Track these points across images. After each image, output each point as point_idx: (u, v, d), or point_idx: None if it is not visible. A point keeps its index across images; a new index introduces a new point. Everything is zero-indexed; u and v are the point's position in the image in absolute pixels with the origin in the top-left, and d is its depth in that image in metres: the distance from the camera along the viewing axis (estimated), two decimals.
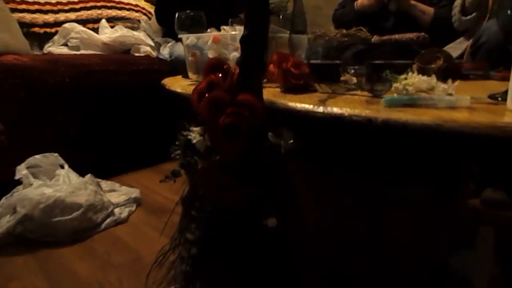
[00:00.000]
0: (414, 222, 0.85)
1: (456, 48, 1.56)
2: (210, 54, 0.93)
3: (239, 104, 0.59)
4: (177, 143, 0.72)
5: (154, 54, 2.02)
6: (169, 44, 2.00)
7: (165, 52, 1.97)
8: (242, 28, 1.02)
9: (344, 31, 1.99)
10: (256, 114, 0.61)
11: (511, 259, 0.82)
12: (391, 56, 1.74)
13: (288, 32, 1.14)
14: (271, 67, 0.84)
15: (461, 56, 1.46)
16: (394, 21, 1.86)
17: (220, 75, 0.62)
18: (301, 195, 0.81)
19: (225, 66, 0.63)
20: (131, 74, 1.77)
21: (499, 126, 0.47)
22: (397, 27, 1.82)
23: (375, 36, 1.86)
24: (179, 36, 1.04)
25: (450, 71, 0.95)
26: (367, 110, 0.58)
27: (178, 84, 1.05)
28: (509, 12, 0.62)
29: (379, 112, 0.56)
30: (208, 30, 1.04)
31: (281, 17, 1.21)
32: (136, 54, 2.01)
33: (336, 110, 0.60)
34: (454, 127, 0.50)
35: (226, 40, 0.92)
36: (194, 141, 0.64)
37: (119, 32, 2.07)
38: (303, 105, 0.64)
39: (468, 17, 1.46)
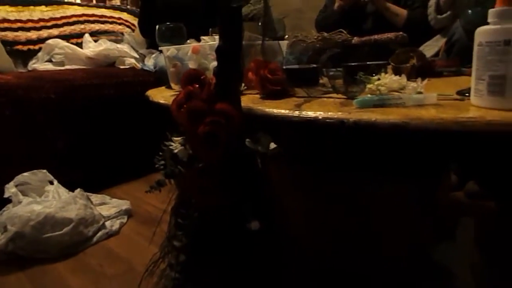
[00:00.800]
0: (397, 215, 0.88)
1: (433, 45, 1.60)
2: (191, 65, 0.95)
3: (217, 113, 0.61)
4: (160, 153, 0.74)
5: (139, 65, 2.04)
6: (154, 55, 2.02)
7: (149, 63, 1.99)
8: None
9: (325, 34, 2.05)
10: (233, 121, 0.63)
11: (491, 248, 0.85)
12: (371, 56, 1.78)
13: (267, 39, 1.17)
14: (250, 74, 0.87)
15: (437, 53, 1.50)
16: (372, 22, 1.90)
17: (197, 85, 0.64)
18: (285, 196, 0.83)
19: (202, 77, 0.65)
20: (116, 86, 1.79)
21: (461, 121, 0.50)
22: (375, 28, 1.86)
23: (355, 38, 1.91)
24: (160, 48, 1.06)
25: (424, 70, 0.98)
26: (340, 112, 0.60)
27: (161, 95, 1.07)
28: (469, 12, 0.65)
29: (351, 113, 0.58)
30: (188, 41, 1.06)
31: (259, 24, 1.23)
32: (121, 67, 2.02)
33: (310, 113, 0.62)
34: (420, 125, 0.52)
35: (205, 50, 0.94)
36: (176, 151, 0.65)
37: (103, 46, 2.09)
38: (279, 110, 0.66)
39: (443, 15, 1.50)
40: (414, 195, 0.87)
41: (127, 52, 2.09)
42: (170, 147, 0.68)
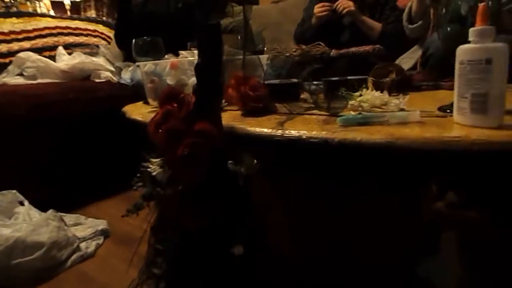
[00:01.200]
0: (381, 228, 0.87)
1: (410, 58, 1.63)
2: (169, 81, 0.93)
3: (196, 133, 0.59)
4: (138, 175, 0.71)
5: (115, 79, 1.99)
6: (130, 68, 1.98)
7: (126, 76, 1.94)
8: None
9: (304, 47, 2.06)
10: (214, 142, 0.60)
11: (475, 261, 0.85)
12: (350, 69, 1.80)
13: (247, 53, 1.16)
14: (230, 90, 0.85)
15: (415, 65, 1.52)
16: (349, 35, 1.92)
17: (176, 104, 0.62)
18: (268, 211, 0.80)
19: (180, 95, 0.63)
20: (92, 101, 1.73)
21: (446, 140, 0.50)
22: (352, 40, 1.88)
23: (333, 50, 1.92)
24: (137, 63, 1.03)
25: (403, 84, 0.99)
26: (324, 131, 0.59)
27: (138, 112, 1.03)
28: (448, 29, 0.66)
29: (335, 132, 0.57)
30: (166, 56, 1.03)
31: (239, 37, 1.22)
32: (97, 80, 1.96)
33: (294, 132, 0.61)
34: (405, 144, 0.52)
35: (183, 65, 0.92)
36: (154, 173, 0.62)
37: (78, 59, 2.03)
38: (262, 129, 0.64)
39: (414, 25, 1.54)
40: (398, 208, 0.87)
41: (103, 65, 2.03)
42: (149, 169, 0.65)
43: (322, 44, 1.98)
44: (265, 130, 0.63)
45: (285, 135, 0.61)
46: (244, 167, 0.60)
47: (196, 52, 1.02)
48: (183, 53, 1.02)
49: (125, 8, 2.05)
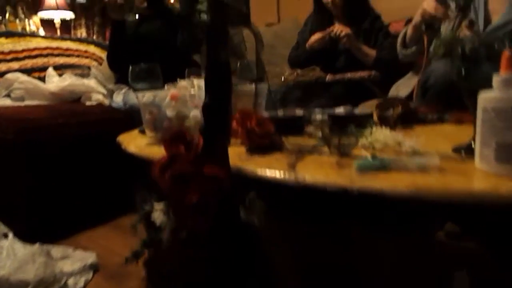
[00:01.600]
0: (391, 270, 0.83)
1: (406, 84, 1.63)
2: (169, 112, 0.89)
3: (206, 178, 0.55)
4: (137, 217, 0.67)
5: (106, 102, 1.94)
6: (123, 91, 1.93)
7: (118, 99, 1.90)
8: (200, 82, 1.00)
9: (299, 71, 2.05)
10: (224, 186, 0.57)
11: None
12: (346, 95, 1.80)
13: (248, 82, 1.13)
14: (234, 124, 0.82)
15: (411, 93, 1.51)
16: (345, 60, 1.93)
17: (182, 146, 0.58)
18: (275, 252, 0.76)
19: (187, 137, 0.59)
20: (82, 125, 1.67)
21: (475, 194, 0.47)
22: (348, 65, 1.89)
23: (328, 75, 1.92)
24: (135, 93, 0.99)
25: (408, 117, 0.97)
26: (341, 177, 0.56)
27: (134, 144, 0.99)
28: (462, 69, 0.64)
29: (353, 180, 0.54)
30: (166, 87, 1.00)
31: (238, 64, 1.20)
32: (87, 103, 1.91)
33: (308, 178, 0.57)
34: (430, 196, 0.49)
35: (184, 97, 0.88)
36: (158, 221, 0.58)
37: (68, 81, 1.98)
38: (272, 172, 0.61)
39: (408, 51, 1.54)
40: (410, 248, 0.84)
41: (94, 87, 1.99)
42: (151, 213, 0.61)
43: (317, 68, 1.99)
44: (277, 174, 0.60)
45: (299, 180, 0.58)
46: (256, 216, 0.56)
47: (195, 81, 0.99)
48: (183, 82, 0.99)
49: (118, 28, 2.03)
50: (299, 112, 0.96)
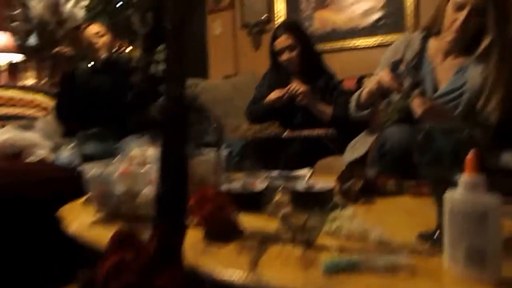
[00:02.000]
0: None
1: (362, 143, 1.65)
2: (118, 188, 0.81)
3: None
4: None
5: (51, 158, 1.79)
6: (70, 146, 1.80)
7: (65, 155, 1.75)
8: (154, 151, 0.93)
9: (257, 126, 2.05)
10: None
11: None
12: (303, 153, 1.80)
13: (205, 149, 1.08)
14: (191, 205, 0.76)
15: (367, 153, 1.53)
16: (302, 117, 1.95)
17: (130, 251, 0.51)
18: None
19: (137, 240, 0.52)
20: (19, 186, 1.51)
21: None
22: (305, 122, 1.91)
23: (286, 131, 1.93)
24: (81, 168, 0.90)
25: (368, 188, 0.97)
26: (309, 282, 0.51)
27: (78, 220, 0.89)
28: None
29: (322, 286, 0.49)
30: (115, 159, 0.92)
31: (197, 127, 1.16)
32: (29, 159, 1.75)
33: (273, 282, 0.52)
34: None
35: (136, 173, 0.81)
36: None
37: (8, 134, 1.82)
38: (232, 273, 0.55)
39: (362, 113, 1.58)
40: None
41: (38, 141, 1.83)
42: None
43: (275, 123, 1.99)
44: (236, 275, 0.54)
45: (261, 284, 0.52)
46: None
47: (149, 151, 0.93)
48: (136, 152, 0.92)
49: (68, 79, 1.93)
50: (259, 186, 0.91)
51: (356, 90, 2.21)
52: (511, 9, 1.25)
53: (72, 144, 1.82)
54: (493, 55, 1.27)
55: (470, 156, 0.49)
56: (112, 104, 1.91)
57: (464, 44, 1.36)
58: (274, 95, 1.90)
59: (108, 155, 1.05)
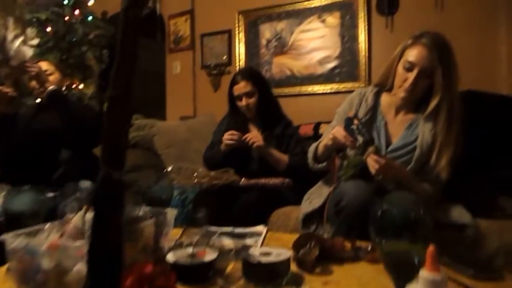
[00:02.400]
0: None
1: (318, 194, 1.63)
2: (46, 263, 0.71)
3: None
4: None
5: None
6: (3, 194, 1.62)
7: None
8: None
9: (213, 173, 1.98)
10: None
11: None
12: (259, 202, 1.74)
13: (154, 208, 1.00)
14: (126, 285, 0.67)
15: (324, 203, 1.50)
16: (258, 164, 1.92)
17: None
18: None
19: None
20: None
21: None
22: (261, 170, 1.87)
23: (243, 179, 1.87)
24: (2, 237, 0.78)
25: (325, 254, 0.92)
26: None
27: None
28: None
29: None
30: (46, 226, 0.81)
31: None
32: None
33: None
34: None
35: (67, 246, 0.72)
36: None
37: None
38: None
39: (320, 165, 1.57)
40: None
41: None
42: None
43: (231, 170, 1.94)
44: None
45: None
46: None
47: (87, 217, 0.83)
48: (73, 220, 0.82)
49: (7, 121, 1.78)
50: (208, 255, 0.84)
51: (313, 136, 2.24)
52: (457, 72, 1.32)
53: (5, 191, 1.65)
54: (441, 115, 1.32)
55: (429, 252, 0.46)
56: (56, 146, 1.77)
57: (415, 102, 1.41)
58: (227, 136, 1.85)
59: (39, 213, 0.94)
